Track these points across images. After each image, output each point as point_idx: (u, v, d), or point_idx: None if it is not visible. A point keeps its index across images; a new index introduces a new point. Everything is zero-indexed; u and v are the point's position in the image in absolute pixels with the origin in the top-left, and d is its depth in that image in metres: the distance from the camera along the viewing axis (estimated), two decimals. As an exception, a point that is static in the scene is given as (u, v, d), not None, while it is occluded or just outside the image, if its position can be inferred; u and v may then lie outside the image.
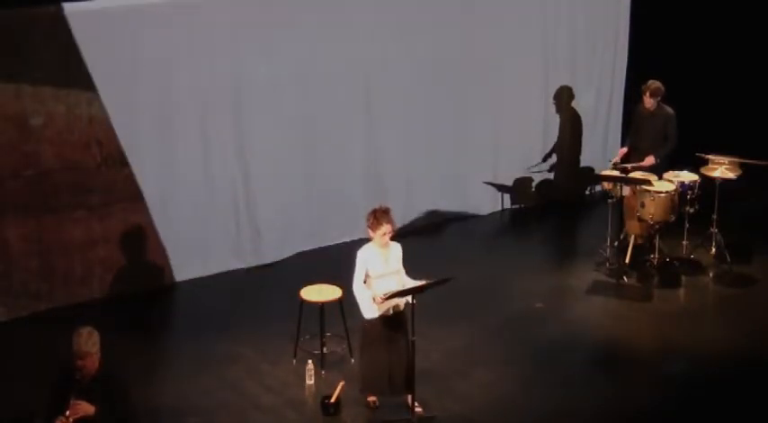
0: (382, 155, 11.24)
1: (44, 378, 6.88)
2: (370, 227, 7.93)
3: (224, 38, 10.02)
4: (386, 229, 7.87)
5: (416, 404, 8.03)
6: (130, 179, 9.91)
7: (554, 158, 12.36)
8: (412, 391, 8.00)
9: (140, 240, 10.08)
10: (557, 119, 12.32)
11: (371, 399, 8.24)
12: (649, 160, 10.57)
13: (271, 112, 10.42)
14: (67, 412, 6.36)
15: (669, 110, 10.63)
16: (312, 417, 8.16)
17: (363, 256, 7.94)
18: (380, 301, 7.79)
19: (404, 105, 11.19)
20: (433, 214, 11.78)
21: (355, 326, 8.37)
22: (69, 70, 9.39)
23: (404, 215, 11.50)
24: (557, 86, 12.20)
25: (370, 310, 7.89)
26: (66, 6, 9.30)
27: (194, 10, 9.85)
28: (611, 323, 9.74)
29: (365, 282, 7.91)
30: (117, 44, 9.54)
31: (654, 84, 10.56)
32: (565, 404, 8.32)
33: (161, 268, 10.27)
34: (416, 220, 11.66)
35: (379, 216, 7.89)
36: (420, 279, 7.90)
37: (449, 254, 10.98)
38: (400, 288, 7.87)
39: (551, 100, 12.23)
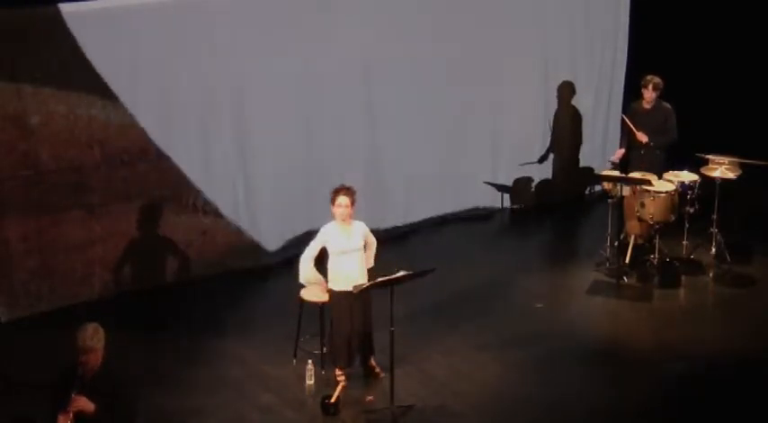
0: (383, 155, 11.24)
1: (44, 378, 6.88)
2: (331, 202, 8.25)
3: (225, 37, 10.02)
4: (341, 200, 8.19)
5: (374, 364, 8.55)
6: (130, 179, 9.91)
7: (549, 154, 12.35)
8: (369, 356, 8.51)
9: (140, 240, 10.08)
10: (556, 117, 12.32)
11: (341, 378, 8.40)
12: (641, 135, 10.54)
13: (271, 111, 10.42)
14: (69, 407, 6.38)
15: (668, 105, 10.63)
16: (312, 417, 8.16)
17: (324, 233, 8.28)
18: (357, 291, 8.10)
19: (404, 105, 11.19)
20: (432, 214, 11.78)
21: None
22: (70, 70, 9.40)
23: (404, 215, 11.53)
24: (557, 86, 12.21)
25: (305, 280, 8.37)
26: (67, 6, 9.31)
27: (195, 9, 9.85)
28: (611, 323, 9.74)
29: (327, 259, 8.29)
30: (117, 44, 9.54)
31: (655, 78, 10.56)
32: (564, 404, 8.32)
33: (161, 268, 10.27)
34: (416, 219, 11.66)
35: (337, 189, 8.27)
36: (401, 271, 8.04)
37: (448, 254, 10.98)
38: (362, 264, 8.27)
39: (551, 99, 12.24)
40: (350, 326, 8.30)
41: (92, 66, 9.48)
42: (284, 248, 10.83)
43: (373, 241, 8.46)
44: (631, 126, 10.62)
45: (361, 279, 8.22)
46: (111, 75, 9.59)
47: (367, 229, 8.37)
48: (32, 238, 9.54)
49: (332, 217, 8.29)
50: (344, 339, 8.34)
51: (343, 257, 8.22)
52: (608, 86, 12.65)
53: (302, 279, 8.41)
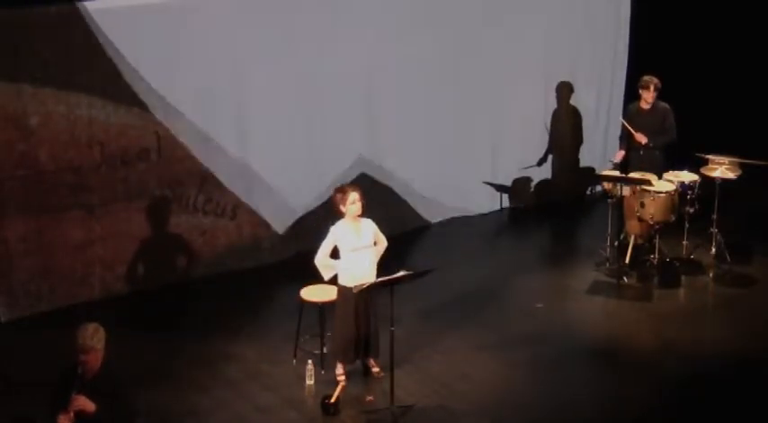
0: (383, 154, 11.24)
1: (44, 378, 6.88)
2: (340, 202, 8.24)
3: (225, 38, 10.01)
4: (354, 196, 8.20)
5: (374, 363, 8.56)
6: (130, 179, 9.91)
7: (547, 156, 12.35)
8: (374, 356, 8.53)
9: (140, 240, 10.08)
10: (556, 117, 12.32)
11: (341, 378, 8.42)
12: (640, 137, 10.54)
13: (272, 112, 10.42)
14: (69, 407, 6.38)
15: (665, 104, 10.65)
16: (312, 417, 8.16)
17: (335, 232, 8.25)
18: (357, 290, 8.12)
19: (404, 105, 11.19)
20: (432, 214, 11.78)
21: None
22: (70, 70, 9.39)
23: (404, 215, 11.52)
24: (556, 86, 12.21)
25: (327, 274, 8.37)
26: (67, 6, 9.30)
27: (195, 10, 9.85)
28: (611, 323, 9.74)
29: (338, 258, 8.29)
30: (118, 44, 9.54)
31: (654, 79, 10.57)
32: (564, 404, 8.32)
33: (161, 268, 10.27)
34: (416, 219, 11.65)
35: (345, 187, 8.31)
36: (401, 271, 8.04)
37: (448, 254, 10.98)
38: (373, 261, 8.29)
39: (551, 98, 12.24)
40: (355, 323, 8.32)
41: (92, 66, 9.48)
42: (285, 248, 10.82)
43: (383, 239, 8.44)
44: (630, 129, 10.62)
45: (372, 276, 8.23)
46: (111, 75, 9.58)
47: (376, 227, 8.38)
48: (32, 238, 9.54)
49: (340, 216, 8.29)
50: (349, 336, 8.34)
51: (355, 255, 8.22)
52: (608, 86, 12.65)
53: (326, 276, 8.41)
